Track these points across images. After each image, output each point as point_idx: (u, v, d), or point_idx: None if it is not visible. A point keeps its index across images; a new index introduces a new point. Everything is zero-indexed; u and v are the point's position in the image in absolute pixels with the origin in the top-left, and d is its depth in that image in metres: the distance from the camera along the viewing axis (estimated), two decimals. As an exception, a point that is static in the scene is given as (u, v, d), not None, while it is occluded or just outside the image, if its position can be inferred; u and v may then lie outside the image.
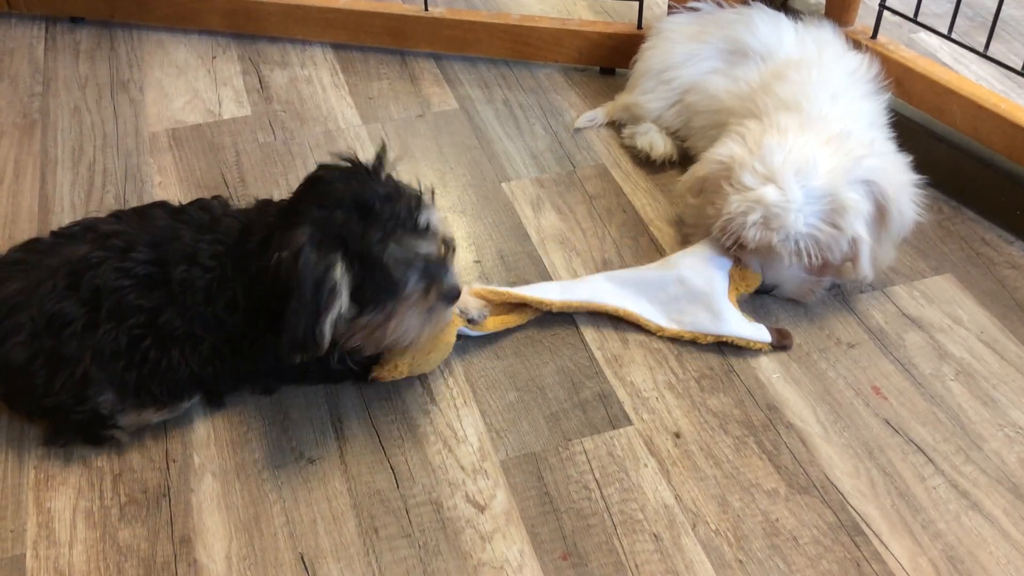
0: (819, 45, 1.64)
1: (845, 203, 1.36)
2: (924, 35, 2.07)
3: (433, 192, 1.24)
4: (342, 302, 1.14)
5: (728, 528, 1.21)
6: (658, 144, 1.77)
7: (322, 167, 1.24)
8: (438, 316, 1.25)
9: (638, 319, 1.46)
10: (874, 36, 1.77)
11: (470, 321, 1.41)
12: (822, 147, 1.39)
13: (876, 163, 1.41)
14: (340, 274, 1.13)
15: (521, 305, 1.47)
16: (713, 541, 1.20)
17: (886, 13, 1.75)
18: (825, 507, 1.23)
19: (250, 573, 1.17)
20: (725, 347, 1.43)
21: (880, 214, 1.41)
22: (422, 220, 1.19)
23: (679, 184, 1.59)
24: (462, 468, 1.29)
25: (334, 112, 1.94)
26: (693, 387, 1.39)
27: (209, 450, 1.31)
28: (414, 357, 1.34)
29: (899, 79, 1.70)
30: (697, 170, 1.49)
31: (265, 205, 1.35)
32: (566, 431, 1.33)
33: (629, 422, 1.34)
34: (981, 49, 1.65)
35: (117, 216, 1.38)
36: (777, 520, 1.22)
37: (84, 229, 1.35)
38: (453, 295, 1.24)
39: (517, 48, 2.03)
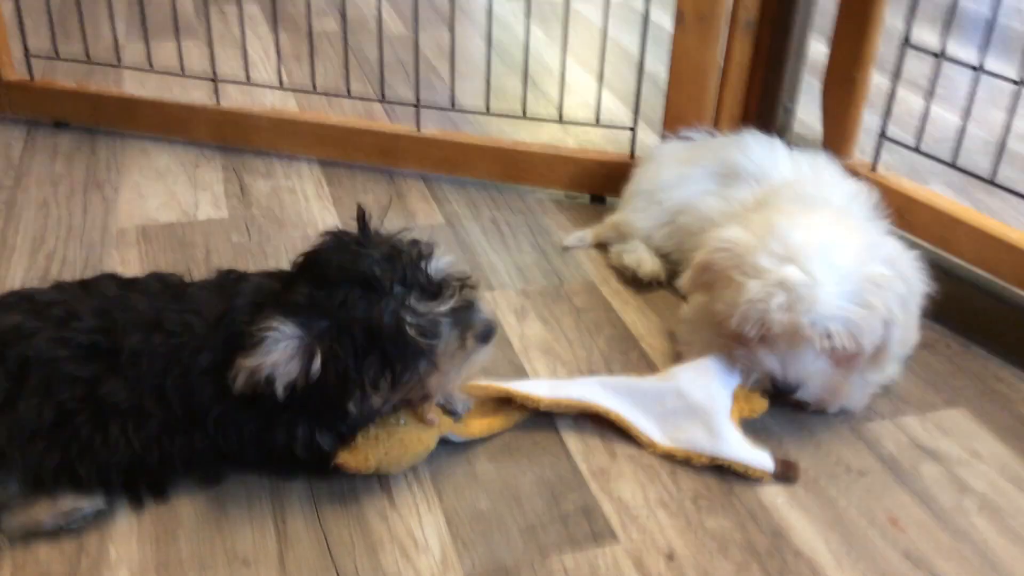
0: (815, 169, 1.59)
1: (878, 280, 1.26)
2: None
3: (433, 242, 1.17)
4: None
5: (730, 663, 1.03)
6: (646, 261, 1.68)
7: (319, 243, 1.17)
8: (478, 357, 1.19)
9: (630, 427, 1.32)
10: (874, 168, 1.73)
11: (454, 415, 1.28)
12: (837, 226, 1.32)
13: (894, 243, 1.36)
14: (277, 356, 1.06)
15: (506, 404, 1.34)
16: (712, 678, 1.01)
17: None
18: (843, 645, 1.05)
19: None
20: (723, 467, 1.29)
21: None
22: (433, 274, 1.13)
23: (684, 284, 1.49)
24: (421, 580, 1.11)
25: (315, 219, 1.86)
26: (688, 506, 1.23)
27: (129, 544, 1.13)
28: (387, 452, 1.19)
29: (901, 210, 1.65)
30: (698, 256, 1.39)
31: (228, 277, 1.26)
32: (543, 545, 1.16)
33: (615, 539, 1.17)
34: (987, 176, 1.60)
35: (59, 287, 1.27)
36: (787, 657, 1.04)
37: (20, 299, 1.24)
38: (489, 333, 1.18)
39: (508, 171, 1.99)
